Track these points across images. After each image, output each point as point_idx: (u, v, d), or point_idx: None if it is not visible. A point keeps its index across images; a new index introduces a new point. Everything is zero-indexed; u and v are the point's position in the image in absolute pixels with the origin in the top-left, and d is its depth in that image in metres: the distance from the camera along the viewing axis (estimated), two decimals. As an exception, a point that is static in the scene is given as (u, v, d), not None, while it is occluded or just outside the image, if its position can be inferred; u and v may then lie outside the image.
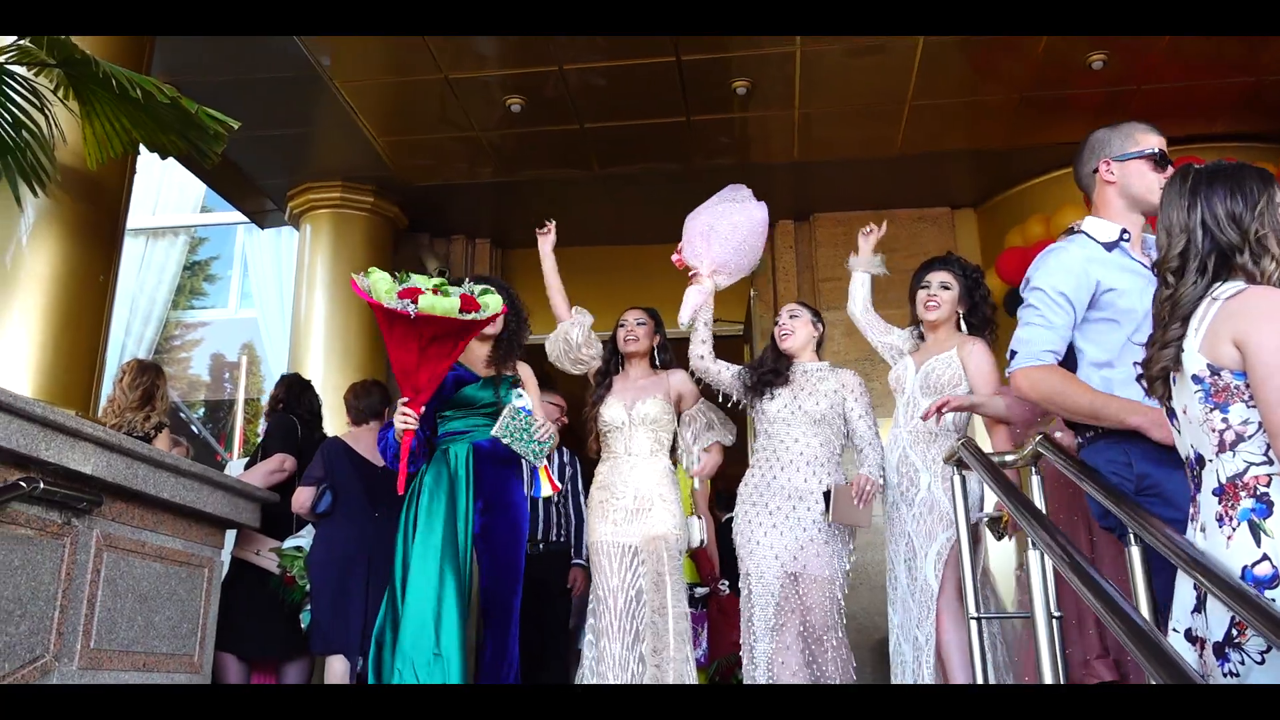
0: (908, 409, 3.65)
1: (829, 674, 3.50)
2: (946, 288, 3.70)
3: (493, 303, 3.39)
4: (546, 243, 4.11)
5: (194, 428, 10.15)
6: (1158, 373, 1.91)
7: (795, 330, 3.91)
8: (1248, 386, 1.75)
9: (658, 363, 4.04)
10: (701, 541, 3.92)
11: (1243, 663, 1.67)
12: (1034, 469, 2.80)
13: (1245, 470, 1.74)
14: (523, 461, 3.54)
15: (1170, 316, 1.89)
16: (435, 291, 3.26)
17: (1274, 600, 1.63)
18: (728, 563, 4.63)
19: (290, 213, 6.81)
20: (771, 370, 3.87)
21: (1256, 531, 1.70)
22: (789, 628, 3.55)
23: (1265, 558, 1.67)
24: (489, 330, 3.61)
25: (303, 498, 4.09)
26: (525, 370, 3.75)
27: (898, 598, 3.51)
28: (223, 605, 3.99)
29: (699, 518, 3.94)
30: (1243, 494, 1.73)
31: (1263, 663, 1.65)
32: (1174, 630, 1.84)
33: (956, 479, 2.82)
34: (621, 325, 4.05)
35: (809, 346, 3.92)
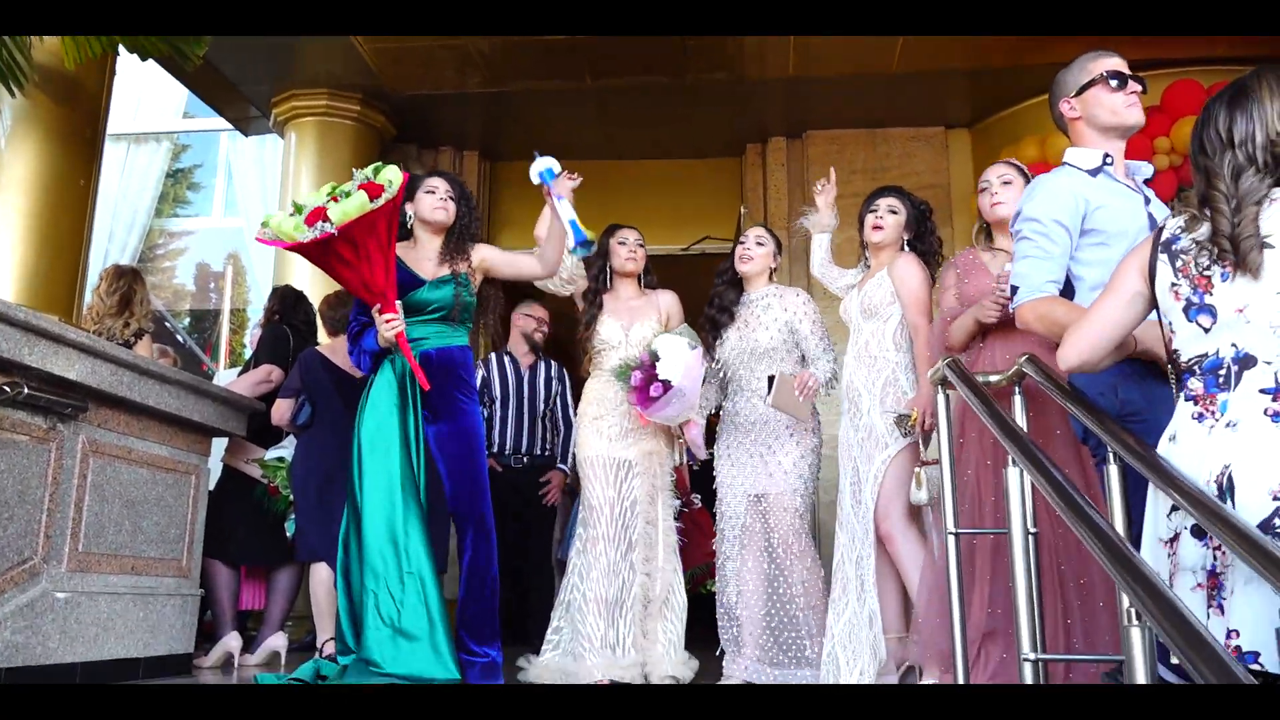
0: (854, 335, 3.65)
1: (794, 594, 3.59)
2: (894, 212, 3.67)
3: (392, 174, 3.30)
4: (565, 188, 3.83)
5: (180, 337, 10.12)
6: (1219, 256, 1.83)
7: (756, 257, 3.91)
8: None
9: (643, 282, 4.04)
10: (681, 461, 3.96)
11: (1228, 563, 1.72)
12: (1018, 388, 2.81)
13: None
14: (470, 367, 3.50)
15: (1238, 205, 1.83)
16: (335, 200, 3.20)
17: None
18: (702, 480, 4.71)
19: (275, 120, 6.68)
20: (719, 309, 3.94)
21: None
22: (752, 547, 3.68)
23: None
24: (437, 218, 3.54)
25: (281, 410, 4.09)
26: (488, 251, 3.65)
27: (844, 519, 3.55)
28: (212, 512, 4.04)
29: (681, 440, 3.97)
30: None
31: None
32: (1177, 534, 1.85)
33: (941, 397, 2.83)
34: (623, 244, 4.01)
35: (764, 274, 3.94)
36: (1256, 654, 1.70)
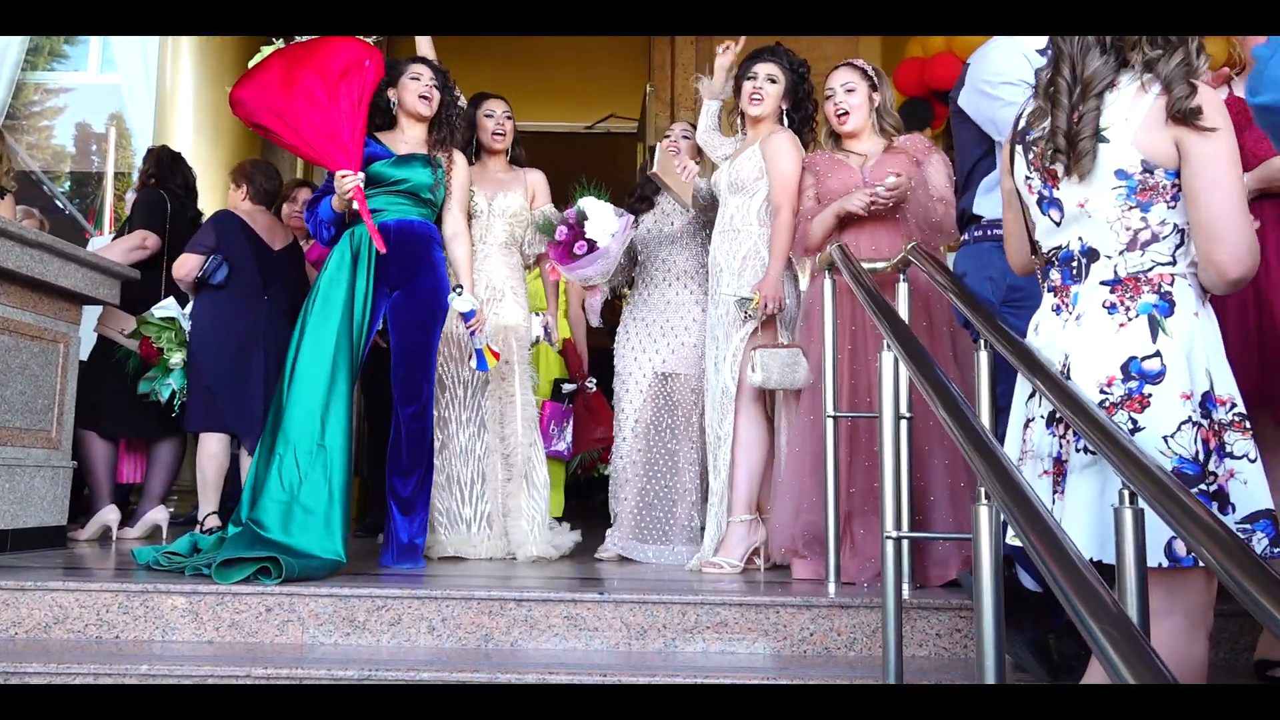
0: (721, 209, 3.63)
1: (679, 473, 3.65)
2: (773, 81, 3.57)
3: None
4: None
5: (59, 202, 9.59)
6: (1054, 156, 1.80)
7: (682, 151, 3.90)
8: (1175, 185, 1.74)
9: (510, 157, 3.97)
10: (538, 338, 3.91)
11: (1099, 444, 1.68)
12: (902, 276, 2.85)
13: (1151, 268, 1.75)
14: (432, 240, 3.46)
15: (1081, 95, 1.79)
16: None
17: (1150, 396, 1.69)
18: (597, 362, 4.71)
19: (153, -32, 6.22)
20: (639, 199, 3.97)
21: (1155, 327, 1.73)
22: (654, 423, 3.72)
23: (1157, 354, 1.71)
24: (420, 109, 3.50)
25: (189, 265, 3.86)
26: (459, 159, 3.62)
27: (712, 394, 3.57)
28: (86, 384, 3.88)
29: (539, 315, 3.93)
30: (1145, 289, 1.75)
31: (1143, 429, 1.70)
32: (1031, 419, 1.87)
33: (828, 282, 2.85)
34: (489, 116, 3.90)
35: None
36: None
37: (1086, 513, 1.72)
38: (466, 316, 3.41)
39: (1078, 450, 1.74)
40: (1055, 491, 1.80)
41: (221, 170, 5.77)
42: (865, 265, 2.77)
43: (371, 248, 3.28)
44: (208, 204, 4.89)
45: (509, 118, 3.91)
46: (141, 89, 7.43)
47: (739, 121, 3.75)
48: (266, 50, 3.39)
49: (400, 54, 4.67)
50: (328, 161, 3.30)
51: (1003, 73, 2.60)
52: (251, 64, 3.41)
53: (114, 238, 4.49)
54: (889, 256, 2.91)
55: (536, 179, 3.93)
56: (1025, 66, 2.48)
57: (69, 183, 10.01)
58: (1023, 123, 1.93)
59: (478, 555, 3.60)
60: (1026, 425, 1.88)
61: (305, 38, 3.38)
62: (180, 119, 6.03)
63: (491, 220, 3.78)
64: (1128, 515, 1.47)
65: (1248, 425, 1.73)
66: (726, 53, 3.84)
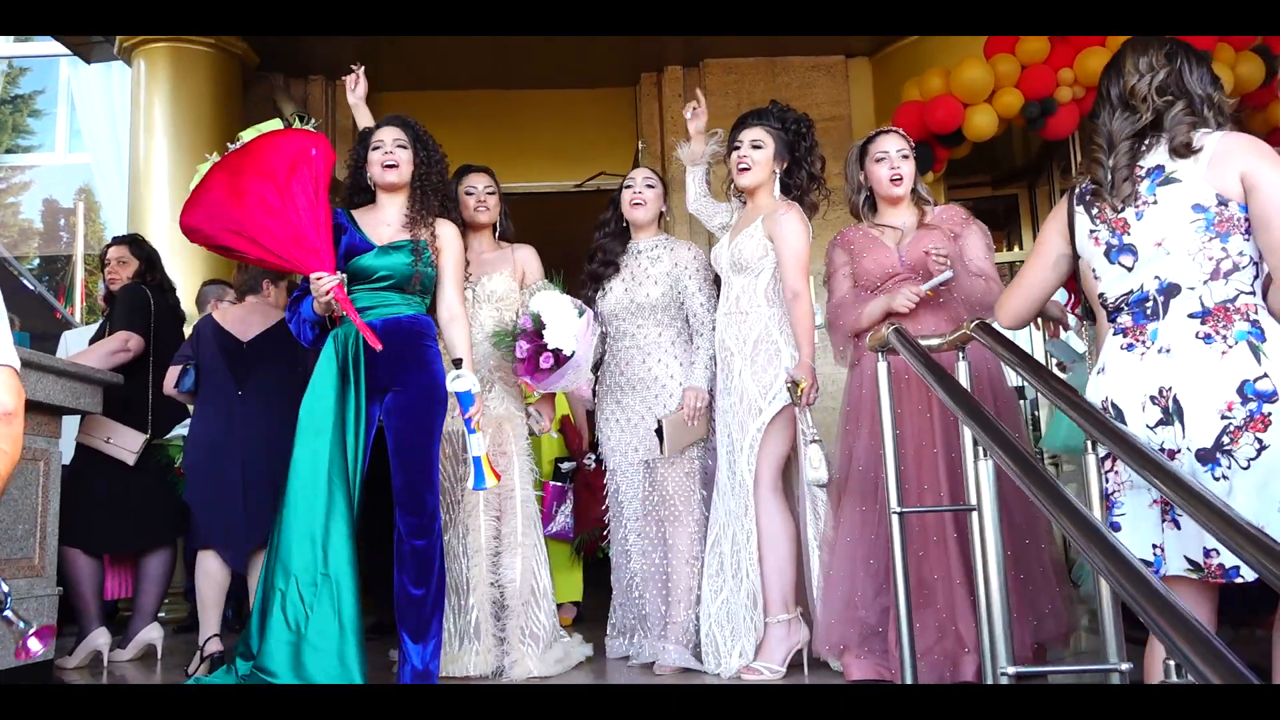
0: (725, 290, 3.42)
1: (679, 551, 3.38)
2: (758, 146, 3.37)
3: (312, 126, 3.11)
4: (355, 94, 3.56)
5: (26, 282, 9.31)
6: (1126, 189, 2.01)
7: (648, 201, 3.58)
8: (1247, 219, 1.91)
9: (498, 232, 3.68)
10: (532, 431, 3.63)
11: (1231, 466, 1.85)
12: (961, 354, 2.64)
13: (1236, 297, 1.90)
14: (425, 335, 3.14)
15: (1109, 149, 2.05)
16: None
17: (1270, 414, 1.83)
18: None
19: (120, 46, 5.99)
20: (603, 263, 3.61)
21: (1256, 352, 1.86)
22: (653, 516, 3.47)
23: (1265, 375, 1.84)
24: (387, 178, 3.16)
25: (168, 380, 3.69)
26: (446, 231, 3.22)
27: (722, 489, 3.36)
28: (68, 497, 3.60)
29: (529, 407, 3.61)
30: (1236, 317, 1.89)
31: (1248, 468, 1.84)
32: None
33: (883, 365, 2.63)
34: (469, 193, 3.59)
35: (654, 221, 3.64)
36: (1237, 568, 1.82)
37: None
38: (463, 401, 3.02)
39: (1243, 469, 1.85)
40: (1164, 520, 1.92)
41: (200, 250, 5.48)
42: (924, 342, 2.56)
43: (360, 351, 3.00)
44: (189, 295, 4.63)
45: (491, 192, 3.62)
46: (113, 166, 7.20)
47: (730, 188, 3.55)
48: (204, 167, 3.13)
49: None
50: (298, 267, 3.01)
51: None
52: (192, 185, 3.15)
53: (93, 335, 4.22)
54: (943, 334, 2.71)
55: (526, 256, 3.62)
56: None
57: (37, 260, 9.75)
58: (1079, 188, 2.13)
59: (465, 673, 3.27)
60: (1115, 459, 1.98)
61: (236, 145, 3.11)
62: (155, 196, 5.76)
63: (477, 306, 3.48)
64: None
65: None
66: (695, 115, 3.66)
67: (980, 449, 2.05)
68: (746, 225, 3.39)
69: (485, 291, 3.50)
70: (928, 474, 3.00)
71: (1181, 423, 1.89)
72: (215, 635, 3.50)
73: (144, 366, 3.89)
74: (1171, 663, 1.24)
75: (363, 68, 3.55)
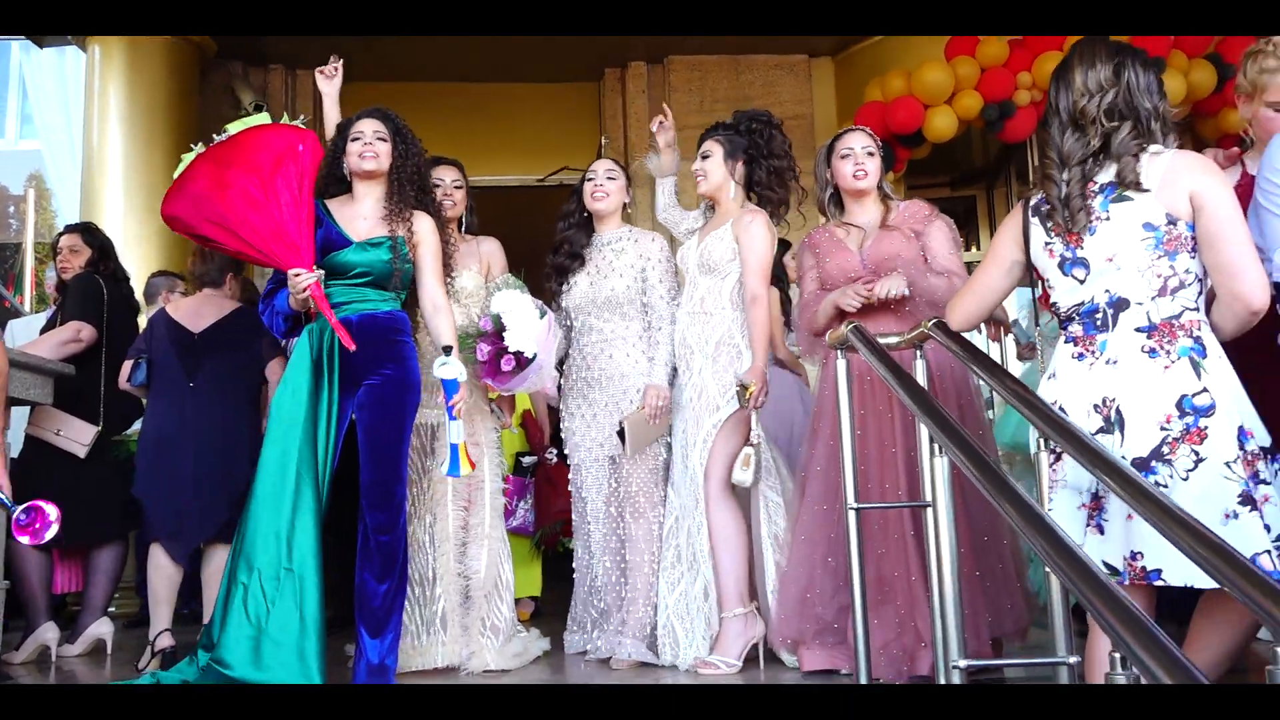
0: (690, 289, 3.45)
1: (640, 546, 3.39)
2: (706, 156, 3.44)
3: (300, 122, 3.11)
4: (331, 84, 3.51)
5: (-25, 270, 9.14)
6: (1065, 202, 2.09)
7: (611, 193, 3.57)
8: (1193, 238, 2.00)
9: (463, 226, 3.64)
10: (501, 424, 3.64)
11: (1171, 477, 1.93)
12: (919, 353, 2.67)
13: (1181, 313, 2.00)
14: (401, 331, 3.12)
15: (1062, 168, 2.12)
16: None
17: (1206, 428, 1.92)
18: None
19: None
20: (568, 255, 3.59)
21: (1196, 367, 1.96)
22: (616, 512, 3.48)
23: (1204, 390, 1.94)
24: (365, 167, 3.13)
25: (122, 374, 3.63)
26: (423, 224, 3.19)
27: (675, 483, 3.40)
28: (18, 491, 3.51)
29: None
30: (1180, 333, 1.99)
31: (1187, 479, 1.92)
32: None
33: (842, 362, 2.66)
34: (437, 185, 3.54)
35: (617, 212, 3.63)
36: (1159, 570, 1.90)
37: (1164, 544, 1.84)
38: (448, 388, 3.00)
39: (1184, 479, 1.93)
40: (1088, 525, 2.00)
41: (155, 240, 5.44)
42: (882, 340, 2.58)
43: (335, 347, 2.98)
44: (142, 285, 4.55)
45: (459, 186, 3.60)
46: (65, 154, 7.08)
47: (706, 201, 3.60)
48: (188, 157, 3.12)
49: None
50: (277, 262, 3.00)
51: None
52: (176, 174, 3.14)
53: (45, 325, 4.14)
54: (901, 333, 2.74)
55: (490, 249, 3.61)
56: None
57: (-13, 248, 9.58)
58: (1034, 199, 2.21)
59: (434, 665, 3.25)
60: (1059, 457, 2.05)
61: (223, 136, 3.11)
62: (110, 184, 5.66)
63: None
64: None
65: (1270, 454, 2.00)
66: (662, 129, 3.71)
67: (936, 446, 2.08)
68: (715, 228, 3.42)
69: (454, 290, 3.46)
70: (889, 473, 3.04)
71: (1121, 432, 1.99)
72: (166, 630, 3.45)
73: (96, 357, 3.82)
74: (1117, 655, 1.27)
75: (341, 60, 3.51)
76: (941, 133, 5.64)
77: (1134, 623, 1.20)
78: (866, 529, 2.95)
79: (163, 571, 3.49)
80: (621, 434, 3.32)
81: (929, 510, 2.11)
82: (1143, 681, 1.21)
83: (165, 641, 3.42)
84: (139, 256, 5.13)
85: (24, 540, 2.77)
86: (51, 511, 2.75)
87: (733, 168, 3.42)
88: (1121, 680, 1.27)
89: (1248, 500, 1.89)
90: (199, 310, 3.70)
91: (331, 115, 3.47)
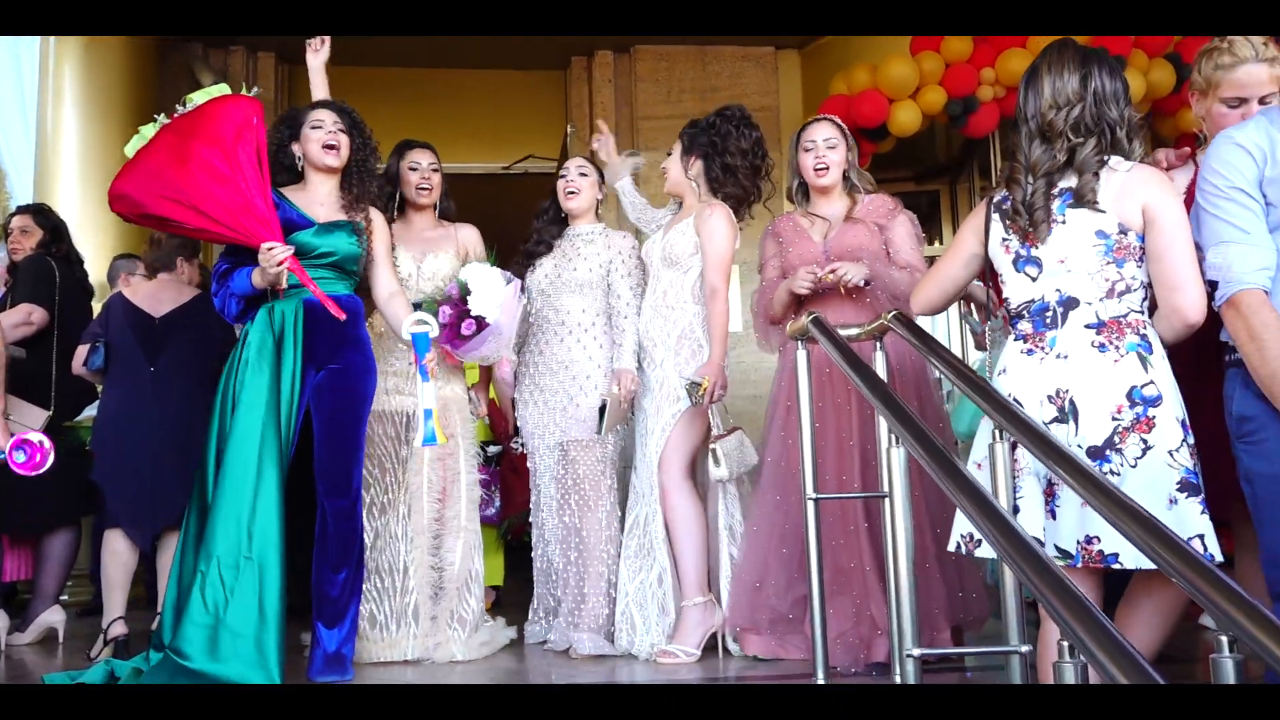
0: (654, 283, 3.49)
1: (589, 540, 3.40)
2: (668, 154, 3.55)
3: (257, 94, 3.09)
4: (318, 58, 3.49)
5: (-75, 252, 8.92)
6: (1029, 211, 2.17)
7: (582, 190, 3.61)
8: (1141, 248, 2.11)
9: (439, 211, 3.64)
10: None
11: (1122, 465, 2.02)
12: (879, 344, 2.69)
13: (1127, 314, 2.10)
14: (357, 316, 3.10)
15: (1030, 177, 2.18)
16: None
17: (1154, 418, 2.02)
18: None
19: (28, 8, 5.76)
20: (537, 243, 3.65)
21: (1144, 362, 2.06)
22: (567, 500, 3.48)
23: (1151, 382, 2.04)
24: (327, 161, 3.11)
25: (76, 358, 3.59)
26: (378, 217, 3.23)
27: (639, 469, 3.43)
28: (-37, 476, 3.46)
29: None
30: (1127, 330, 2.09)
31: (1135, 466, 2.01)
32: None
33: (802, 353, 2.67)
34: (413, 169, 3.55)
35: (590, 209, 3.67)
36: (1116, 554, 1.97)
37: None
38: (418, 344, 2.99)
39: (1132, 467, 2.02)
40: (1045, 510, 2.08)
41: (111, 223, 5.33)
42: (842, 332, 2.59)
43: (298, 328, 2.94)
44: (97, 268, 4.47)
45: (435, 169, 3.58)
46: (19, 135, 6.91)
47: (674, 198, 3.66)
48: (147, 130, 3.03)
49: (301, 100, 4.36)
50: (247, 238, 2.92)
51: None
52: (130, 149, 3.05)
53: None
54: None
55: (469, 236, 3.60)
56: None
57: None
58: (998, 197, 2.29)
59: (404, 657, 3.24)
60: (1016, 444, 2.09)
61: (188, 107, 3.03)
62: (65, 168, 5.56)
63: (421, 285, 3.45)
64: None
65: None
66: (603, 144, 3.87)
67: (894, 437, 2.10)
68: (679, 222, 3.46)
69: (429, 270, 3.46)
70: (846, 465, 3.06)
71: (1075, 422, 2.08)
72: (120, 618, 3.40)
73: (48, 341, 3.77)
74: (1065, 644, 1.29)
75: (328, 36, 3.46)
76: (906, 127, 5.67)
77: (1084, 613, 1.22)
78: (826, 523, 2.98)
79: (118, 558, 3.45)
80: (603, 410, 3.33)
81: (886, 501, 2.13)
82: (1090, 670, 1.23)
83: (118, 630, 3.38)
84: (94, 239, 5.04)
85: (29, 474, 2.79)
86: (42, 440, 2.76)
87: (688, 163, 3.47)
88: (1069, 669, 1.29)
89: (1186, 487, 1.99)
90: (158, 295, 3.66)
91: (320, 91, 3.43)
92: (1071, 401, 2.09)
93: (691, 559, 3.26)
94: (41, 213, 4.07)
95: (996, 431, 2.01)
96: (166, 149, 2.96)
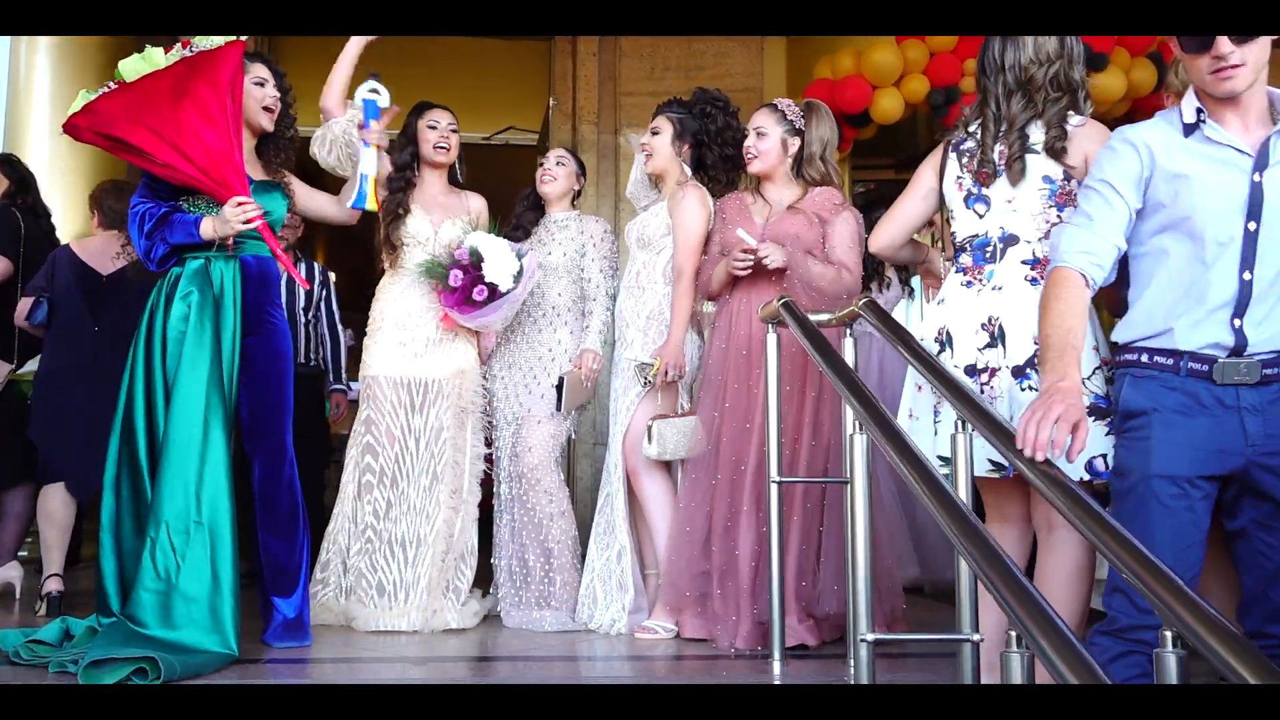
0: (630, 264, 3.53)
1: (539, 516, 3.42)
2: (655, 133, 3.50)
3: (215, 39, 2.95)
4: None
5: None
6: (1006, 160, 2.30)
7: (559, 178, 3.67)
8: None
9: (453, 176, 3.68)
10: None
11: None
12: (849, 330, 2.70)
13: None
14: (279, 281, 3.07)
15: (1007, 129, 2.31)
16: None
17: None
18: None
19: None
20: (514, 227, 3.71)
21: None
22: (517, 478, 3.51)
23: None
24: (260, 121, 3.04)
25: (21, 308, 3.54)
26: (296, 184, 3.20)
27: (611, 449, 3.47)
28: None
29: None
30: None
31: None
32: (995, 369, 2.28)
33: (772, 337, 2.67)
34: (433, 127, 3.56)
35: (566, 197, 3.72)
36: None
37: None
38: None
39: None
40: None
41: (84, 179, 5.26)
42: (813, 318, 2.60)
43: (236, 290, 2.87)
44: (67, 220, 4.41)
45: (454, 130, 3.60)
46: (-11, 83, 6.78)
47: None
48: (156, 55, 2.93)
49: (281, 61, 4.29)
50: (217, 187, 2.81)
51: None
52: (124, 68, 2.94)
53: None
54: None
55: (478, 205, 3.64)
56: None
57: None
58: (957, 138, 2.43)
59: (411, 627, 3.25)
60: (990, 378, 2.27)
61: (189, 52, 2.93)
62: (35, 118, 5.46)
63: (436, 251, 3.44)
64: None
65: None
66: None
67: (858, 424, 2.11)
68: (655, 204, 3.50)
69: (445, 237, 3.47)
70: (791, 449, 3.05)
71: (1004, 345, 2.25)
72: (56, 574, 3.39)
73: (10, 293, 3.70)
74: (1013, 633, 1.30)
75: None
76: (888, 114, 5.67)
77: (1032, 605, 1.23)
78: (733, 505, 3.03)
79: (51, 517, 3.44)
80: (559, 389, 3.35)
81: (848, 487, 2.15)
82: (1036, 661, 1.25)
83: (53, 585, 3.36)
84: (65, 190, 4.97)
85: None
86: None
87: (680, 149, 3.46)
88: (1016, 658, 1.30)
89: (1095, 410, 2.13)
90: (106, 250, 3.62)
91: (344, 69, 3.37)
92: (1001, 327, 2.26)
93: (663, 537, 3.28)
94: (9, 163, 3.99)
95: (958, 421, 2.01)
96: (171, 78, 2.87)
